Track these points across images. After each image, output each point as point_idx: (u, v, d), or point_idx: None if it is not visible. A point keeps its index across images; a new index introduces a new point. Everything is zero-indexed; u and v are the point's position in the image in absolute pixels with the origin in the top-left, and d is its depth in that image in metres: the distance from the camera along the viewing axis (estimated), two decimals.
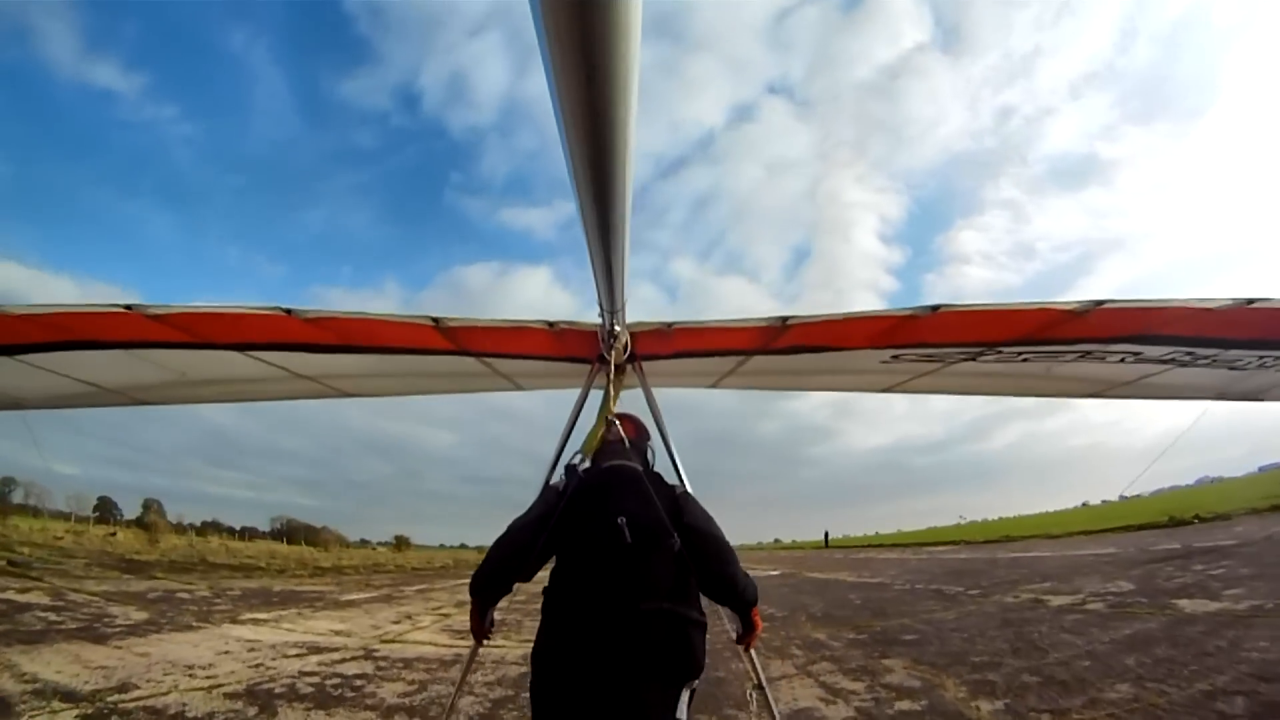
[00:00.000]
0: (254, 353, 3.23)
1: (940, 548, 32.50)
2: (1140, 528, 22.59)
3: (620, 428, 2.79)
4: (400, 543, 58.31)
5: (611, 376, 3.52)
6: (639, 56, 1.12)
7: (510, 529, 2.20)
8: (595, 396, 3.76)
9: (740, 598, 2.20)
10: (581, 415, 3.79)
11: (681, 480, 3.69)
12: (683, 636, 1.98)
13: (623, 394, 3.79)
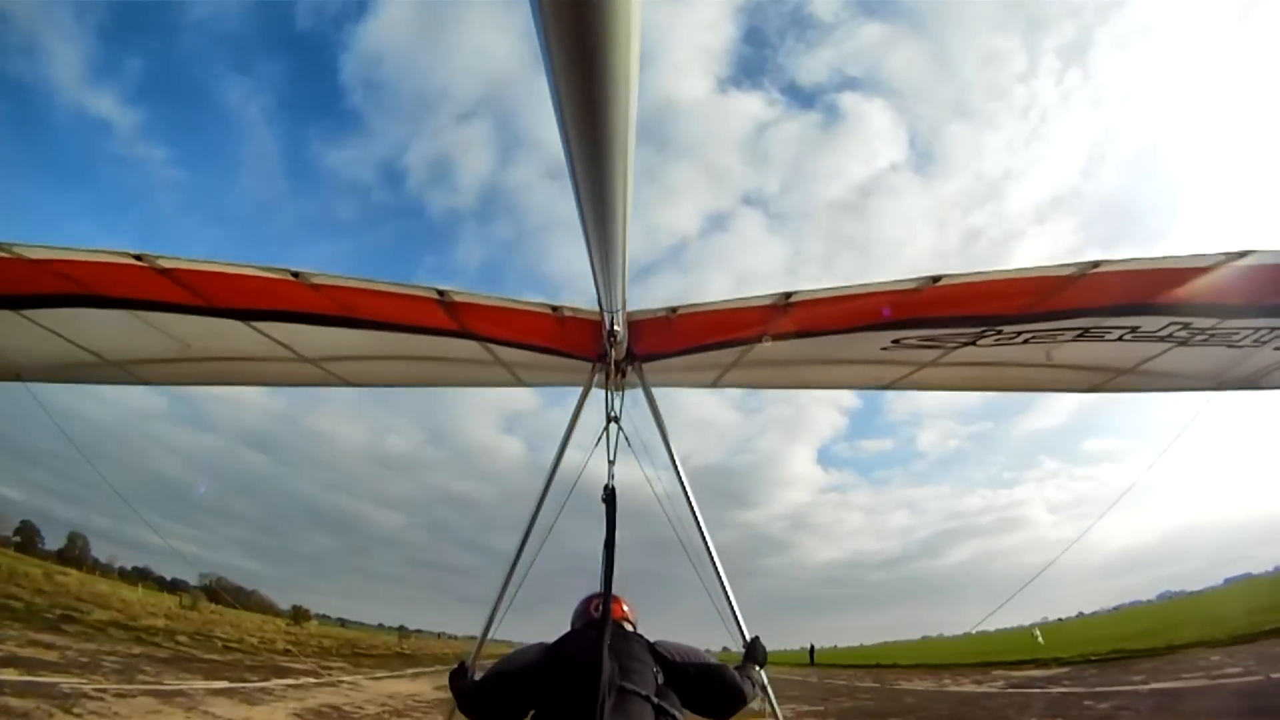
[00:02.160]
0: (258, 323, 3.21)
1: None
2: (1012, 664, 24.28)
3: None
4: (298, 614, 51.40)
5: (611, 376, 3.49)
6: (639, 54, 1.14)
7: (496, 673, 2.38)
8: (595, 397, 3.73)
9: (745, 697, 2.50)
10: (582, 416, 3.77)
11: (684, 488, 3.61)
12: None
13: (622, 393, 3.76)
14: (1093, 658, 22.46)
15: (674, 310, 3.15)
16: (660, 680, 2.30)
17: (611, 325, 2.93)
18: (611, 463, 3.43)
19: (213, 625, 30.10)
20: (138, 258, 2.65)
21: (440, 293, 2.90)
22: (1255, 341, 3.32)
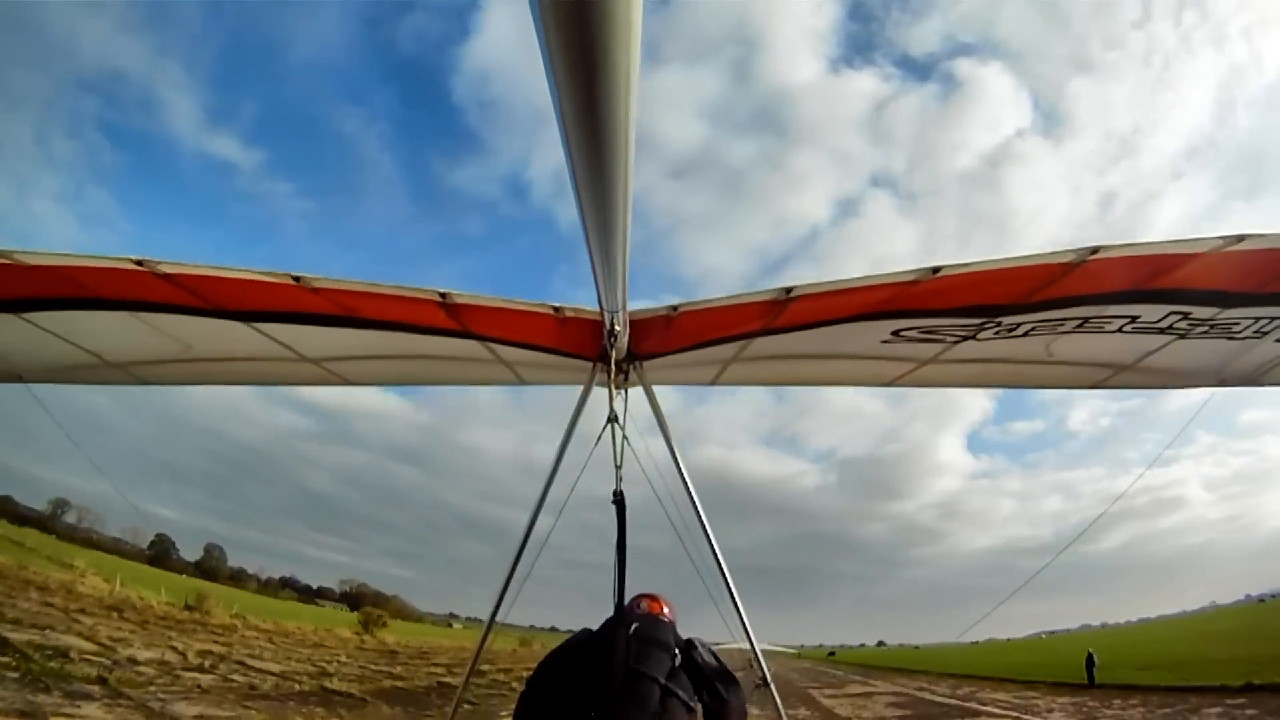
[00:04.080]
0: (259, 324, 3.22)
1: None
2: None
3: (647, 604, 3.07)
4: (369, 618, 40.73)
5: (612, 376, 3.50)
6: (639, 55, 1.15)
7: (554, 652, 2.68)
8: (595, 396, 3.73)
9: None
10: (581, 418, 3.77)
11: (687, 487, 3.60)
12: None
13: (621, 392, 3.76)
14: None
15: (675, 309, 3.16)
16: (677, 663, 2.51)
17: (612, 325, 2.94)
18: (618, 466, 3.44)
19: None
20: (139, 263, 2.67)
21: (442, 295, 2.91)
22: (1256, 333, 3.32)
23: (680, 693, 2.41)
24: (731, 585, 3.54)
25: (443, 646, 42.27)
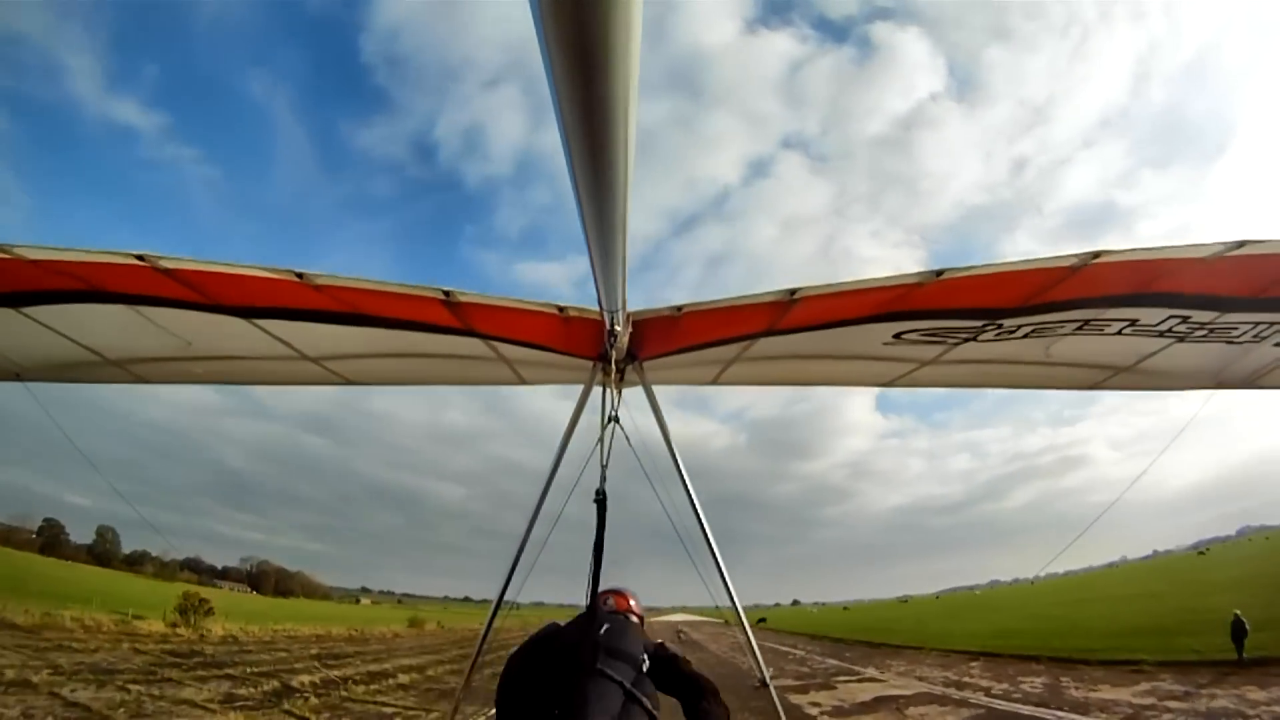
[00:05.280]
0: (260, 321, 3.21)
1: None
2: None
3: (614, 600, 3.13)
4: (189, 604, 29.39)
5: (613, 376, 3.50)
6: (639, 53, 1.15)
7: (524, 645, 2.68)
8: (595, 395, 3.74)
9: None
10: (581, 418, 3.78)
11: (686, 487, 3.62)
12: None
13: (624, 392, 3.77)
14: None
15: (680, 309, 3.16)
16: (645, 669, 2.51)
17: (611, 325, 2.94)
18: (604, 466, 3.44)
19: None
20: (140, 258, 2.65)
21: (445, 293, 2.90)
22: (1254, 337, 3.34)
23: (644, 699, 2.41)
24: (731, 585, 3.56)
25: (328, 637, 35.26)
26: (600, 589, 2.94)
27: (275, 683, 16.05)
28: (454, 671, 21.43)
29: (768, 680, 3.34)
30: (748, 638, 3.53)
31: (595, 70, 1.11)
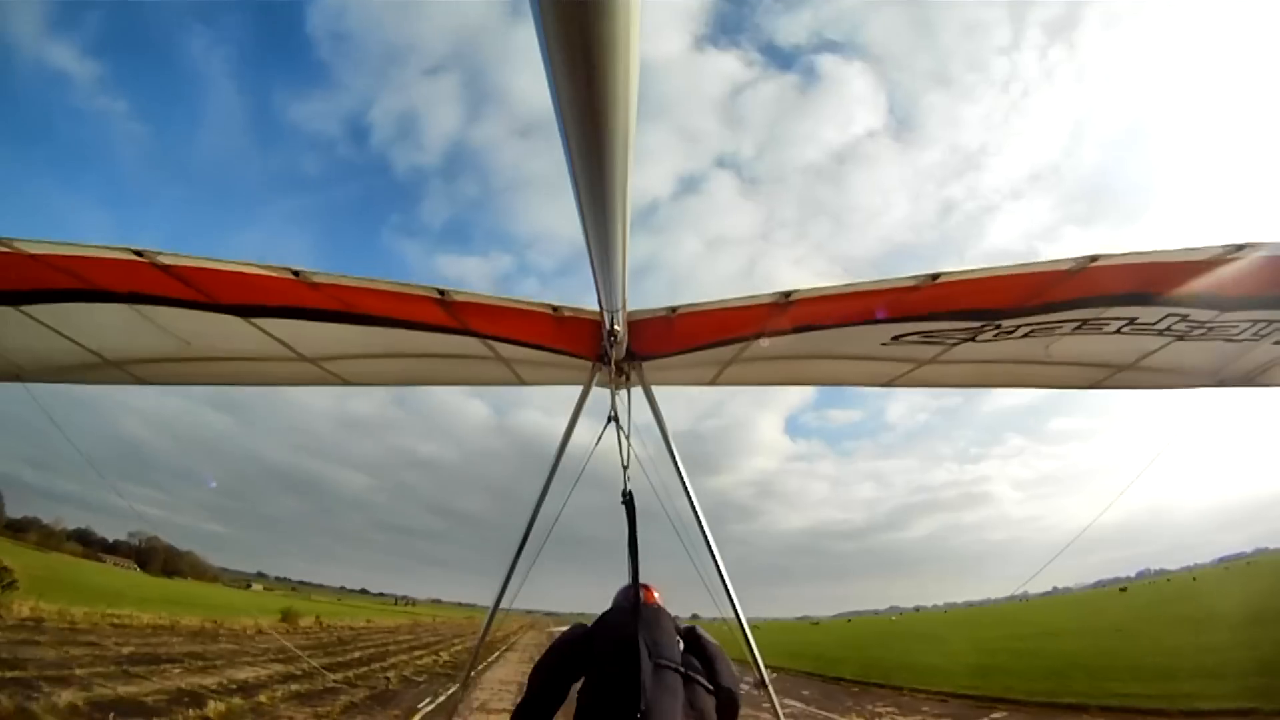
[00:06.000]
0: (258, 320, 3.22)
1: None
2: None
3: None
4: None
5: (612, 376, 3.51)
6: (639, 54, 1.15)
7: (554, 650, 2.76)
8: (595, 395, 3.75)
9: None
10: (581, 418, 3.79)
11: (685, 487, 3.64)
12: None
13: (621, 392, 3.78)
14: None
15: (674, 310, 3.16)
16: (683, 649, 2.65)
17: (611, 325, 2.94)
18: (625, 467, 3.48)
19: None
20: (138, 254, 2.67)
21: (441, 292, 2.91)
22: (1255, 335, 3.33)
23: (699, 677, 2.55)
24: (730, 585, 3.58)
25: (169, 628, 27.96)
26: (621, 586, 3.06)
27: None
28: (300, 695, 14.61)
29: (766, 680, 3.36)
30: (746, 639, 3.54)
31: (595, 70, 1.11)
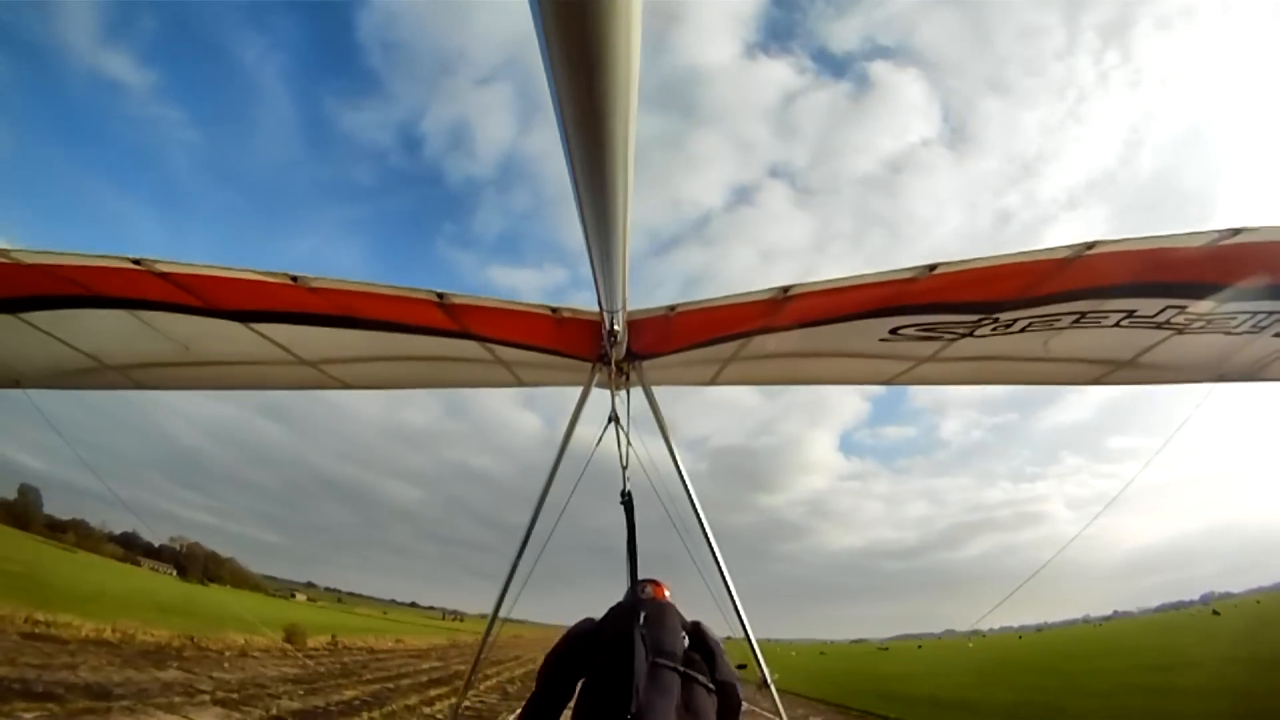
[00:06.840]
0: (257, 325, 3.23)
1: None
2: None
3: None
4: None
5: (613, 376, 3.52)
6: (639, 54, 1.16)
7: (565, 641, 2.81)
8: (595, 396, 3.75)
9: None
10: (580, 417, 3.78)
11: (686, 487, 3.62)
12: None
13: (621, 393, 3.78)
14: None
15: (673, 308, 3.17)
16: (687, 645, 2.66)
17: (611, 325, 2.95)
18: (625, 467, 3.47)
19: None
20: (136, 262, 2.69)
21: (439, 295, 2.92)
22: (1254, 327, 3.32)
23: (699, 676, 2.55)
24: (731, 585, 3.55)
25: (129, 642, 19.12)
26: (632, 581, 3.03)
27: None
28: None
29: (769, 680, 3.34)
30: (748, 639, 3.51)
31: (595, 70, 1.12)
